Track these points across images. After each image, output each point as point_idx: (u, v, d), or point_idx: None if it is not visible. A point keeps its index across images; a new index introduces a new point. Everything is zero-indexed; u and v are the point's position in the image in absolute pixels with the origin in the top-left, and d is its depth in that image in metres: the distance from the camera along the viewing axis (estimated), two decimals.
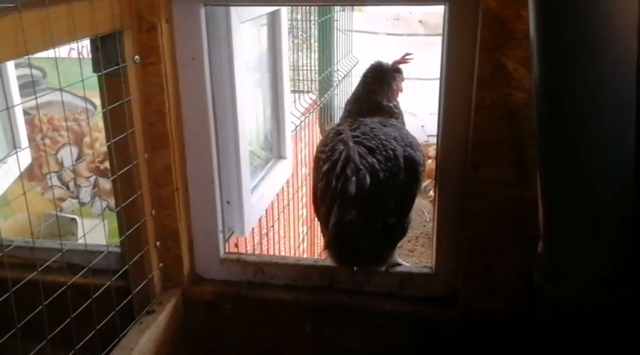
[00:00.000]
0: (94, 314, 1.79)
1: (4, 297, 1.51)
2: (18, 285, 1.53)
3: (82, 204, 6.00)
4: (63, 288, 1.69)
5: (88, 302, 1.76)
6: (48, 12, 1.45)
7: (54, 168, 5.92)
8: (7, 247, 2.12)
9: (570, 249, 1.44)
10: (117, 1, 1.72)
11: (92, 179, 5.95)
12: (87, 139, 5.85)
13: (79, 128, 5.78)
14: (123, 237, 1.94)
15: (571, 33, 1.30)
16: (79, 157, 5.94)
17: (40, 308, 1.58)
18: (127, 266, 1.96)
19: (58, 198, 5.99)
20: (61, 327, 1.66)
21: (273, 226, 3.70)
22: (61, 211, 5.94)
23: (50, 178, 5.72)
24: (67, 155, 5.88)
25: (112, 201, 6.04)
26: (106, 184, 5.92)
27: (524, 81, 1.66)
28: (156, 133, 1.93)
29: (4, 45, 1.34)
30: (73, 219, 5.68)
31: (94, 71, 1.78)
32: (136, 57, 1.82)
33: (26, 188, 1.81)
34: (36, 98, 1.82)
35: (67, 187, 6.02)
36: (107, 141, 1.86)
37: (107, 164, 6.22)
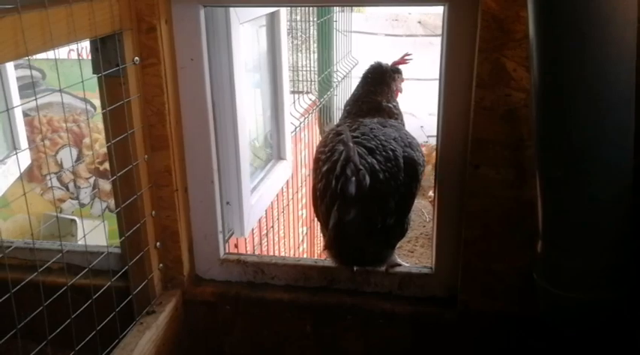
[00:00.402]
0: (95, 315, 1.79)
1: (4, 298, 1.51)
2: (18, 286, 1.53)
3: (81, 205, 6.00)
4: (63, 289, 1.68)
5: (88, 302, 1.76)
6: (48, 13, 1.45)
7: (53, 169, 5.93)
8: (8, 248, 2.11)
9: (569, 249, 1.44)
10: (116, 3, 1.72)
11: (92, 180, 5.96)
12: (87, 140, 5.86)
13: (79, 129, 5.79)
14: (123, 237, 1.94)
15: (570, 33, 1.30)
16: (79, 158, 5.94)
17: (40, 308, 1.58)
18: (127, 266, 1.96)
19: (57, 199, 6.00)
20: (61, 328, 1.66)
21: (272, 227, 3.70)
22: (60, 212, 5.95)
23: (50, 179, 5.73)
24: (67, 156, 5.88)
25: (111, 202, 6.06)
26: (106, 185, 5.93)
27: (524, 81, 1.66)
28: (156, 134, 1.94)
29: (3, 46, 1.34)
30: (73, 220, 5.69)
31: (94, 72, 1.78)
32: (136, 58, 1.82)
33: (26, 189, 1.81)
34: (36, 99, 1.83)
35: (67, 188, 6.02)
36: (107, 142, 1.86)
37: (107, 165, 6.22)
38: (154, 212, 2.00)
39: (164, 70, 1.89)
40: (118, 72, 1.78)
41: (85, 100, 5.49)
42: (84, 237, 1.82)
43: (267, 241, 3.59)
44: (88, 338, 1.76)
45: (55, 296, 1.65)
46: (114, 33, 1.74)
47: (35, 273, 1.61)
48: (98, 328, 1.78)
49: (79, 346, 1.73)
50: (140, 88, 1.87)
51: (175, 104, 1.97)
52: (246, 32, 2.57)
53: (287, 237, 4.07)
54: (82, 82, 1.72)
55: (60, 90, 1.70)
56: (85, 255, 2.09)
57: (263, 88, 2.94)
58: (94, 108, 5.64)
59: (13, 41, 1.36)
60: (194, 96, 1.99)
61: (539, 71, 1.39)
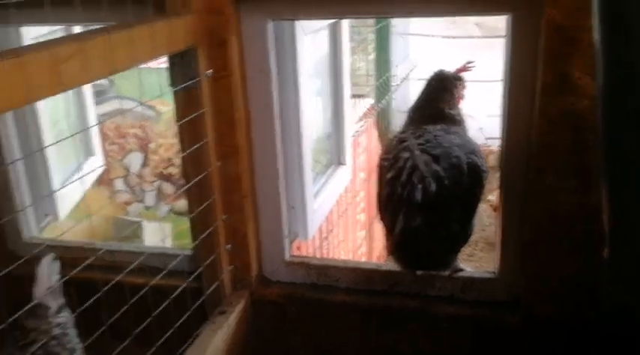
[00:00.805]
0: (170, 314, 1.89)
1: (93, 299, 1.62)
2: (106, 287, 1.64)
3: (147, 208, 6.25)
4: (145, 289, 1.79)
5: (166, 302, 1.86)
6: (133, 32, 1.56)
7: (121, 173, 6.19)
8: (98, 250, 2.22)
9: (634, 252, 1.45)
10: (191, 19, 1.83)
11: (156, 184, 6.19)
12: (151, 145, 6.09)
13: (144, 135, 6.03)
14: (197, 241, 2.05)
15: (636, 33, 1.31)
16: (144, 163, 6.19)
17: (125, 308, 1.69)
18: (200, 268, 2.06)
19: (124, 202, 6.26)
20: (143, 326, 1.76)
21: (332, 230, 3.77)
22: (127, 215, 6.21)
23: (133, 187, 5.98)
24: (133, 161, 6.14)
25: (175, 205, 6.28)
26: (169, 188, 6.15)
27: (589, 89, 1.67)
28: (227, 143, 2.03)
29: (97, 64, 1.45)
30: (138, 223, 5.93)
31: (172, 86, 1.89)
32: (209, 71, 1.92)
33: (96, 193, 1.93)
34: (121, 109, 1.95)
35: (133, 192, 6.28)
36: (182, 152, 1.97)
37: (171, 169, 6.44)
38: (225, 216, 2.09)
39: (235, 82, 1.98)
40: (193, 84, 1.89)
41: (150, 107, 5.72)
42: (163, 240, 1.92)
43: (328, 244, 3.66)
44: (166, 336, 1.86)
45: (137, 296, 1.75)
46: (189, 48, 1.85)
47: (122, 274, 1.72)
48: (176, 326, 1.88)
49: (158, 343, 1.84)
50: (213, 99, 1.97)
51: (245, 113, 2.06)
52: (309, 40, 2.65)
53: (346, 240, 4.13)
54: (160, 94, 1.83)
55: (141, 103, 1.81)
56: (159, 257, 2.22)
57: (323, 93, 3.00)
58: (159, 114, 5.87)
59: (103, 59, 1.46)
60: (262, 105, 2.08)
61: (604, 75, 1.40)
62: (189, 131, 1.95)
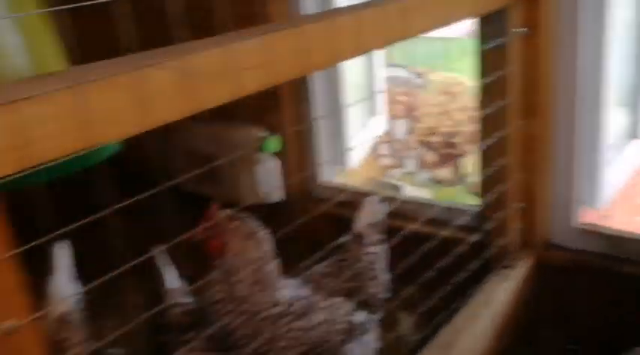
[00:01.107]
0: (453, 264, 1.97)
1: (395, 240, 1.79)
2: (402, 232, 1.79)
3: (407, 174, 6.52)
4: (436, 239, 1.88)
5: (456, 251, 1.96)
6: None
7: (386, 138, 6.53)
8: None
9: None
10: None
11: (418, 151, 6.42)
12: (417, 113, 6.31)
13: (411, 103, 6.26)
14: (488, 198, 2.11)
15: None
16: (409, 130, 6.44)
17: (418, 253, 1.82)
18: (491, 223, 2.13)
19: (387, 167, 6.61)
20: (433, 271, 1.88)
21: (611, 212, 3.53)
22: (388, 178, 6.56)
23: (396, 152, 6.29)
24: (399, 127, 6.43)
25: (436, 173, 6.45)
26: (431, 156, 6.33)
27: None
28: (529, 103, 2.04)
29: (424, 19, 1.56)
30: (396, 186, 6.23)
31: (481, 45, 1.96)
32: (520, 30, 1.94)
33: (367, 156, 2.06)
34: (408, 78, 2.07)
35: (396, 157, 6.59)
36: (481, 109, 2.04)
37: (433, 138, 6.60)
38: (518, 176, 2.12)
39: (543, 41, 1.98)
40: (502, 43, 1.92)
41: (420, 75, 5.91)
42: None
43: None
44: (453, 283, 1.95)
45: (431, 242, 1.85)
46: (502, 7, 1.89)
47: (418, 222, 1.88)
48: (463, 274, 1.98)
49: (447, 289, 1.93)
50: (519, 59, 1.98)
51: (550, 74, 2.05)
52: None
53: (625, 223, 3.83)
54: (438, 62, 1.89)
55: (417, 75, 1.91)
56: (445, 211, 2.34)
57: (626, 60, 2.78)
58: (428, 83, 6.05)
59: (426, 15, 1.55)
60: (567, 66, 2.04)
61: None
62: (491, 89, 2.00)
